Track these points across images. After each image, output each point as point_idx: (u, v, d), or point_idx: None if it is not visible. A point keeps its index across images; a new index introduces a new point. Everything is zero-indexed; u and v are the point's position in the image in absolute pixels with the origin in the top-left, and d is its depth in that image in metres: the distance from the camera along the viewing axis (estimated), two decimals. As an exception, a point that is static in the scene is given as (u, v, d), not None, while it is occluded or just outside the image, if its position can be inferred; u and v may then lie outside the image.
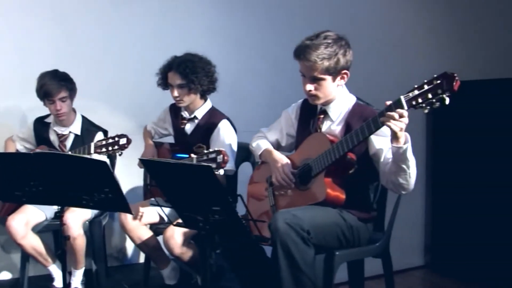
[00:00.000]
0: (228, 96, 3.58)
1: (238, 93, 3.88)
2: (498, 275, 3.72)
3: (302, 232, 2.24)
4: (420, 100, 2.06)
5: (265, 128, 2.88)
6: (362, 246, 2.54)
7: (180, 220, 2.39)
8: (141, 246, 3.07)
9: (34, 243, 3.01)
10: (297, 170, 2.56)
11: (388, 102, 2.16)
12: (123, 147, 2.75)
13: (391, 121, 2.12)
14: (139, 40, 3.71)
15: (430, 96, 2.03)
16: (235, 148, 3.05)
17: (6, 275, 3.56)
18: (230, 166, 2.94)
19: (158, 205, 2.49)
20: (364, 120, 2.31)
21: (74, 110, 3.29)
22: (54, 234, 3.45)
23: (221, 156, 2.41)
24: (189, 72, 2.96)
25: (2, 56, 3.45)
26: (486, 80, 4.01)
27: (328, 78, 2.44)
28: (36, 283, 3.31)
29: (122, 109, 3.71)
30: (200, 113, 3.13)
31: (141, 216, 2.99)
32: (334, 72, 2.43)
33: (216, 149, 2.44)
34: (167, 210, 2.94)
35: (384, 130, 2.24)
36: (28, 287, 3.18)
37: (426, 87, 2.05)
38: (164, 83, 3.12)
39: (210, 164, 2.15)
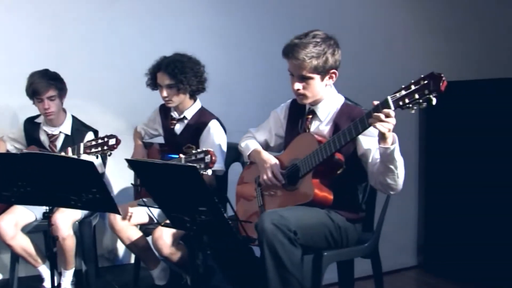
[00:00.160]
0: (218, 96, 3.58)
1: (228, 93, 3.88)
2: (492, 275, 3.72)
3: (289, 232, 2.24)
4: (407, 101, 2.04)
5: (253, 128, 2.88)
6: (351, 247, 2.53)
7: (168, 221, 2.39)
8: (130, 246, 3.06)
9: (23, 244, 3.00)
10: (285, 171, 2.55)
11: (376, 102, 2.14)
12: (112, 148, 2.74)
13: (378, 122, 2.11)
14: (129, 40, 3.71)
15: (417, 96, 2.02)
16: (224, 148, 3.04)
17: (-5, 276, 3.56)
18: (219, 166, 2.95)
19: (145, 205, 2.49)
20: (352, 121, 2.30)
21: (64, 110, 3.28)
22: (44, 235, 3.42)
23: (209, 156, 2.39)
24: (178, 72, 2.95)
25: (-9, 56, 3.44)
26: (479, 80, 4.01)
27: (317, 77, 2.44)
28: (26, 283, 3.31)
29: (113, 109, 3.70)
30: (189, 113, 3.12)
31: (130, 216, 2.98)
32: (323, 71, 2.43)
33: (204, 149, 2.43)
34: (156, 210, 2.93)
35: (372, 130, 2.22)
36: (18, 287, 3.17)
37: (413, 87, 2.03)
38: (153, 84, 3.11)
39: (196, 165, 2.14)
